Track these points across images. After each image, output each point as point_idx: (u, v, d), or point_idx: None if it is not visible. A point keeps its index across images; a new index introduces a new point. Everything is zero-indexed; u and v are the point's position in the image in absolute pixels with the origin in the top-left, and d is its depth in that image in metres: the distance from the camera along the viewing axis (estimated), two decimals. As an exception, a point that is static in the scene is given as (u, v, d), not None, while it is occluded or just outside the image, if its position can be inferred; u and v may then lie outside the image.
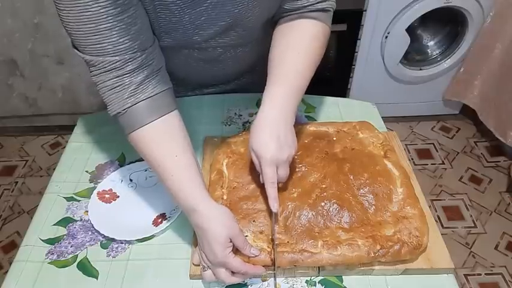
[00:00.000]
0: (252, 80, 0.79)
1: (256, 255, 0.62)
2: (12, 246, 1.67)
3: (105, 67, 0.60)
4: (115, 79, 0.61)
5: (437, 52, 1.97)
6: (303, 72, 0.71)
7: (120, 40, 0.59)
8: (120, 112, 0.62)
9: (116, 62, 0.60)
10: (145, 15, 0.63)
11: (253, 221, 0.68)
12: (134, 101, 0.62)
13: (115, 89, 0.62)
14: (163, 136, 0.64)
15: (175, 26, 0.68)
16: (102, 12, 0.56)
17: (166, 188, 0.64)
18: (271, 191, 0.65)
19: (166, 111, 0.64)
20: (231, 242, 0.60)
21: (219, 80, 0.95)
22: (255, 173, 0.76)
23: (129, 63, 0.61)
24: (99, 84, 0.62)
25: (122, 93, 0.62)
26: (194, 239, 0.69)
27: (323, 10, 0.74)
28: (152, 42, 0.65)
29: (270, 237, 0.66)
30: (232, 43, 0.78)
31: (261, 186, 0.73)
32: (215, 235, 0.59)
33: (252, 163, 0.77)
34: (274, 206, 0.65)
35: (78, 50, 0.61)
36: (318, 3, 0.73)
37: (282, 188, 0.72)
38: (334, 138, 0.82)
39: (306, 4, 0.72)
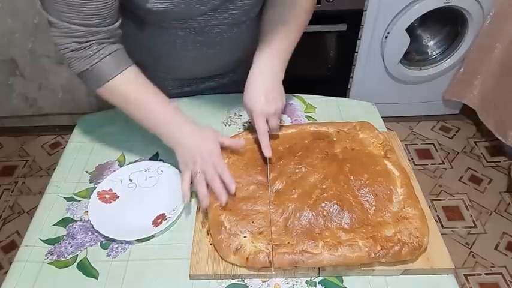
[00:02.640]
0: (247, 73, 0.85)
1: (243, 143, 0.77)
2: (12, 246, 1.67)
3: (68, 33, 0.65)
4: (77, 44, 0.66)
5: (437, 52, 1.97)
6: (289, 36, 0.80)
7: (87, 16, 0.63)
8: (87, 69, 0.68)
9: (80, 32, 0.65)
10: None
11: (252, 222, 0.68)
12: (100, 57, 0.68)
13: (78, 50, 0.67)
14: (136, 81, 0.73)
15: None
16: None
17: (152, 119, 0.72)
18: (263, 139, 0.75)
19: (129, 63, 0.72)
20: None
21: (215, 70, 0.96)
22: (254, 173, 0.76)
23: (93, 35, 0.66)
24: (60, 45, 0.67)
25: (85, 52, 0.67)
26: (194, 239, 0.69)
27: None
28: (116, 20, 0.69)
29: (269, 237, 0.66)
30: (230, 21, 0.79)
31: (261, 187, 0.73)
32: (211, 138, 0.73)
33: (251, 163, 0.77)
34: (267, 152, 0.75)
35: (44, 9, 0.64)
36: None
37: (282, 188, 0.73)
38: (334, 139, 0.82)
39: None
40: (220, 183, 0.70)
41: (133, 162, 0.84)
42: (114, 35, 0.70)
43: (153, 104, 0.73)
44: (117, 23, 0.69)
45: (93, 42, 0.67)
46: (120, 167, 0.84)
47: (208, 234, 0.70)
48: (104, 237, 0.71)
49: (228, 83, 1.01)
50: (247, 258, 0.63)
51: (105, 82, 0.70)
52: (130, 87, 0.72)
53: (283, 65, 0.80)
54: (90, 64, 0.68)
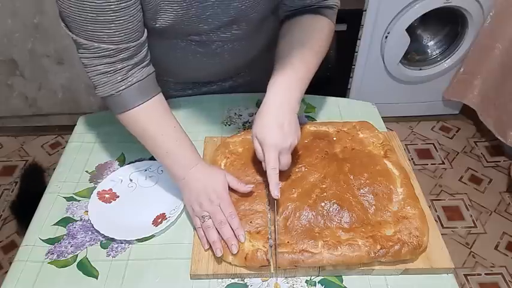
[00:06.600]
0: (250, 78, 0.83)
1: (251, 188, 0.70)
2: (12, 246, 1.67)
3: (98, 53, 0.63)
4: (107, 64, 0.64)
5: (437, 52, 1.97)
6: (308, 63, 0.73)
7: (116, 33, 0.62)
8: (113, 94, 0.67)
9: (111, 50, 0.63)
10: (141, 11, 0.65)
11: (250, 221, 0.68)
12: (127, 84, 0.66)
13: (107, 73, 0.65)
14: (157, 113, 0.71)
15: (181, 19, 0.70)
16: (105, 6, 0.58)
17: (165, 153, 0.70)
18: (273, 177, 0.65)
19: (154, 92, 0.70)
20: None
21: (216, 76, 0.95)
22: (252, 173, 0.76)
23: (123, 53, 0.64)
24: (89, 67, 0.65)
25: (114, 76, 0.65)
26: (194, 239, 0.69)
27: (328, 7, 0.77)
28: (143, 34, 0.67)
29: (267, 236, 0.66)
30: (232, 38, 0.79)
31: (259, 187, 0.73)
32: (219, 180, 0.69)
33: (249, 163, 0.77)
34: (275, 193, 0.65)
35: (71, 31, 0.63)
36: (323, 0, 0.76)
37: (282, 188, 0.72)
38: (334, 138, 0.82)
39: (313, 2, 0.76)
40: (230, 229, 0.65)
41: (134, 162, 0.84)
42: (142, 49, 0.67)
43: (168, 142, 0.70)
44: (144, 36, 0.67)
45: (124, 64, 0.65)
46: (120, 166, 0.84)
47: (208, 233, 0.70)
48: (104, 236, 0.71)
49: (230, 87, 1.00)
50: (245, 257, 0.63)
51: (126, 110, 0.68)
52: (150, 120, 0.70)
53: (299, 95, 0.71)
54: (116, 90, 0.66)
